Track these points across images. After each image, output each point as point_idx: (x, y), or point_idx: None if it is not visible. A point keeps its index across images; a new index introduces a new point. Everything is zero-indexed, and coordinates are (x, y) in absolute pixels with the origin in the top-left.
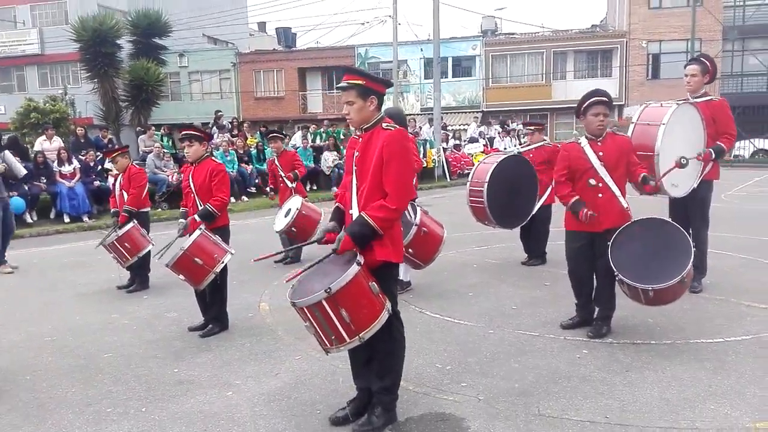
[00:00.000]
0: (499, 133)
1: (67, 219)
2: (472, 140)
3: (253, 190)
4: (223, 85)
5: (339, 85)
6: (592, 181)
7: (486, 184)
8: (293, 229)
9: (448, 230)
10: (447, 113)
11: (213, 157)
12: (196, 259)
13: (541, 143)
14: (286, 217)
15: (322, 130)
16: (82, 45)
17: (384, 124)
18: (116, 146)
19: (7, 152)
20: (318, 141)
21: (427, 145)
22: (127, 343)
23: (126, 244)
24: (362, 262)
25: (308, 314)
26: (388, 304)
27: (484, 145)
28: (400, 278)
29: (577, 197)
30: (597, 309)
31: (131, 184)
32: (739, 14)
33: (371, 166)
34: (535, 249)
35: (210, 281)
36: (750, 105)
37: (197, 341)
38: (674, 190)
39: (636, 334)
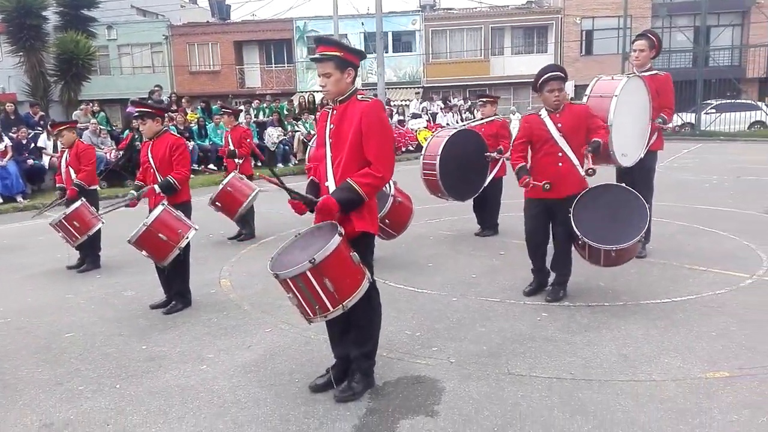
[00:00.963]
0: (441, 108)
1: (0, 199)
2: (415, 116)
3: (196, 166)
4: (155, 59)
5: (314, 56)
6: (560, 164)
7: (438, 157)
8: (217, 203)
9: None
10: (389, 89)
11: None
12: (160, 234)
13: (492, 117)
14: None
15: (265, 105)
16: (5, 16)
17: (359, 96)
18: (52, 122)
19: None
20: (261, 116)
21: None
22: (88, 322)
23: (75, 223)
24: (343, 233)
25: (292, 285)
26: (368, 273)
27: (427, 121)
28: None
29: (523, 164)
30: (554, 274)
31: (81, 161)
32: None
33: (348, 137)
34: (487, 220)
35: (174, 257)
36: (676, 80)
37: (161, 318)
38: (624, 160)
39: (590, 297)
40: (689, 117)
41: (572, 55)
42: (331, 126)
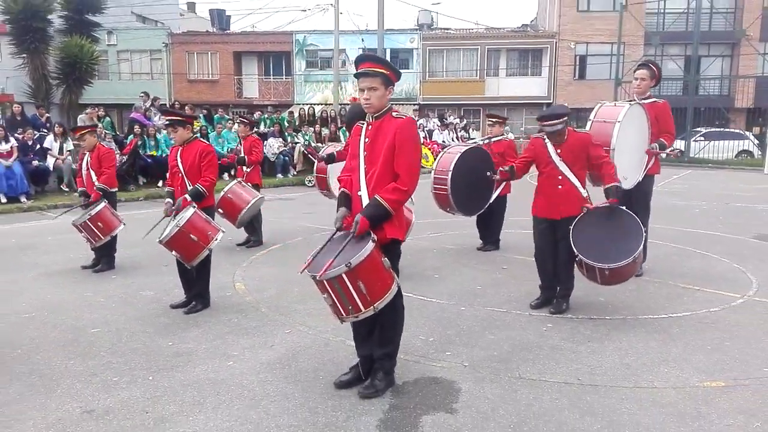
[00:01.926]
0: (437, 126)
1: (3, 199)
2: None
3: None
4: (154, 66)
5: (363, 71)
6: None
7: (450, 173)
8: (219, 210)
9: None
10: None
11: (199, 139)
12: (192, 235)
13: (501, 137)
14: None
15: (266, 116)
16: (11, 18)
17: (394, 113)
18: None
19: None
20: (262, 127)
21: None
22: (111, 319)
23: (99, 224)
24: (376, 240)
25: (328, 287)
26: (396, 278)
27: (423, 137)
28: None
29: (512, 165)
30: (557, 288)
31: (102, 164)
32: (660, 21)
33: (382, 151)
34: (490, 236)
35: (203, 258)
36: None
37: (183, 317)
38: (624, 183)
39: (592, 311)
40: (679, 144)
41: (566, 78)
42: (366, 140)
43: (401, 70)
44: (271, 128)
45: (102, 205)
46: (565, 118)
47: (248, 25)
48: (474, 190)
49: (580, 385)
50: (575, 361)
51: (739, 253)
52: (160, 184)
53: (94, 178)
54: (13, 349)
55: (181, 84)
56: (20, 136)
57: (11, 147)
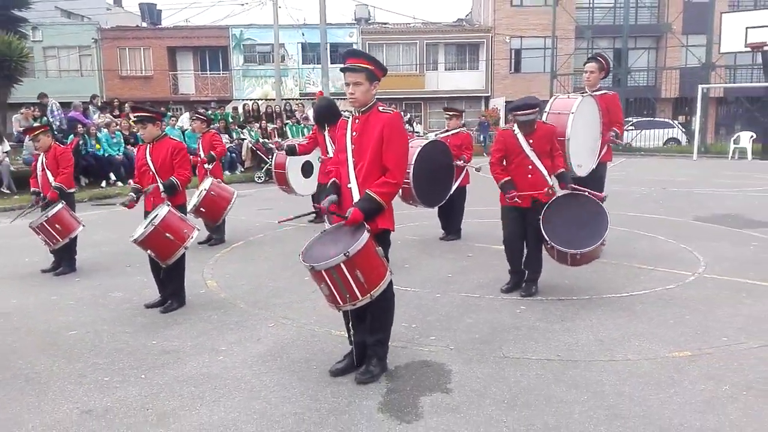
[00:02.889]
0: None
1: None
2: None
3: None
4: (84, 63)
5: (348, 66)
6: (530, 176)
7: (412, 167)
8: (201, 209)
9: None
10: None
11: (169, 136)
12: (167, 234)
13: (458, 130)
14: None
15: (210, 112)
16: None
17: (380, 108)
18: (26, 127)
19: None
20: None
21: None
22: (85, 321)
23: (57, 226)
24: (371, 230)
25: (326, 276)
26: (389, 267)
27: None
28: None
29: (508, 178)
30: (527, 272)
31: (60, 164)
32: (590, 15)
33: (370, 145)
34: (451, 226)
35: (179, 256)
36: None
37: (160, 317)
38: (579, 170)
39: (560, 292)
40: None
41: (502, 72)
42: (354, 133)
43: (340, 65)
44: (216, 124)
45: (60, 206)
46: (537, 108)
47: (182, 20)
48: (435, 182)
49: (560, 361)
50: (552, 339)
51: (683, 234)
52: (103, 184)
53: (51, 178)
54: None
55: (113, 81)
56: None
57: None
